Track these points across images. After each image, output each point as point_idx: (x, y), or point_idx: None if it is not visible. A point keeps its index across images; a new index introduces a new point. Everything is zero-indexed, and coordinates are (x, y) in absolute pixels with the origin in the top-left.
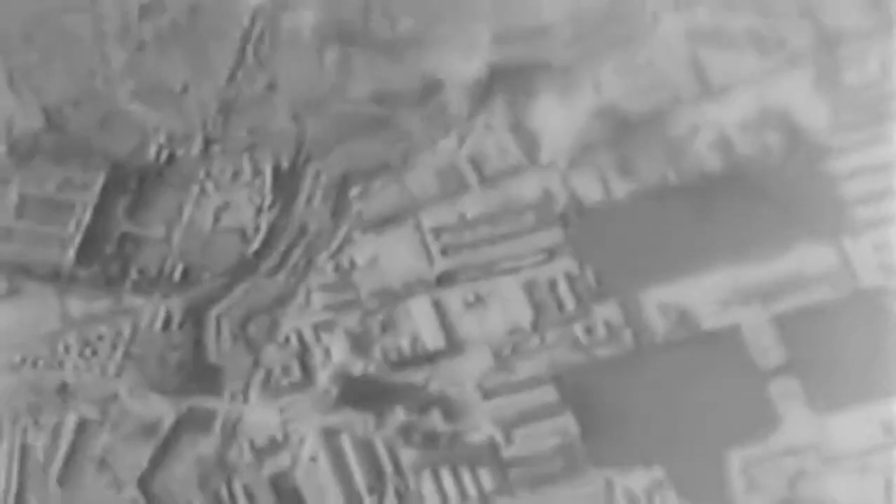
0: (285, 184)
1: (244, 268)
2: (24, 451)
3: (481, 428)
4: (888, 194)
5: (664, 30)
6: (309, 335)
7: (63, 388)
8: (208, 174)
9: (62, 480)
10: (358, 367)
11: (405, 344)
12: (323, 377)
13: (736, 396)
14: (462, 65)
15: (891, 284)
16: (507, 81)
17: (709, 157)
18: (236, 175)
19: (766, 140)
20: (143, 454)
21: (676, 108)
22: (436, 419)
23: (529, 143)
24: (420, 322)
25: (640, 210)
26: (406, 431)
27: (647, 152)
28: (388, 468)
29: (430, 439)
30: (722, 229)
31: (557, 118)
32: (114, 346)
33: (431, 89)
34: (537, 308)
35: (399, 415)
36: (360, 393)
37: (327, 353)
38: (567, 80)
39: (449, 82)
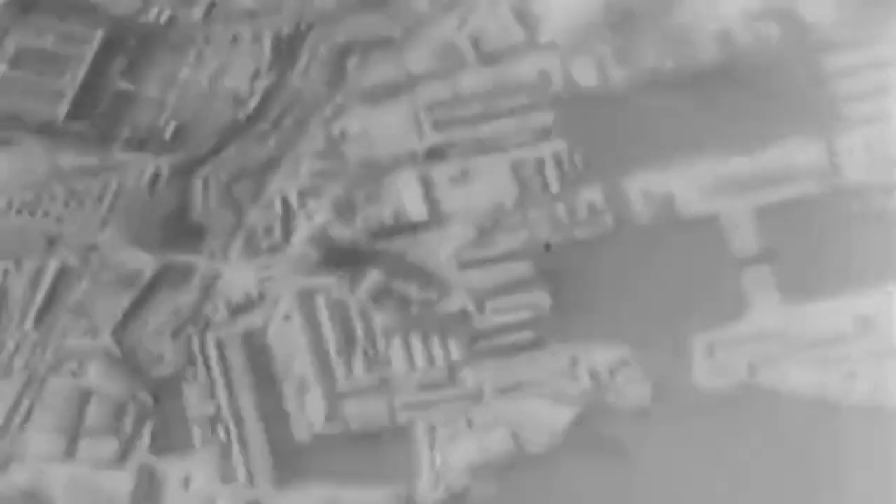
0: (284, 51)
1: (236, 131)
2: (3, 293)
3: (455, 298)
4: (883, 92)
5: None
6: (294, 200)
7: (46, 236)
8: (208, 38)
9: (38, 324)
10: (339, 232)
11: (388, 214)
12: (303, 240)
13: (709, 282)
14: None
15: (876, 181)
16: None
17: (708, 48)
18: (235, 40)
19: (767, 32)
20: (120, 304)
21: None
22: (411, 287)
23: (531, 24)
24: (405, 194)
25: (634, 97)
26: (380, 295)
27: (646, 40)
28: (360, 332)
29: (404, 305)
30: (714, 120)
31: (561, 1)
32: (100, 199)
33: None
34: (522, 186)
35: (374, 277)
36: (339, 258)
37: (310, 217)
38: None
39: None
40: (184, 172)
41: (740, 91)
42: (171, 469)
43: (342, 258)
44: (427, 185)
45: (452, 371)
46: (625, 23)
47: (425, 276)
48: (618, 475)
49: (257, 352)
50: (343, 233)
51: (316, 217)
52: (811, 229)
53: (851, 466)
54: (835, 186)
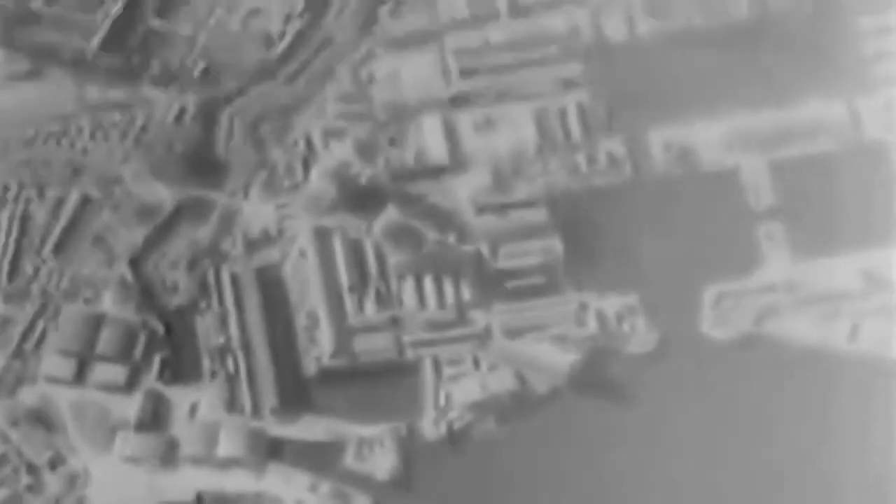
0: None
1: (265, 71)
2: (25, 220)
3: (469, 241)
4: None
5: None
6: (318, 140)
7: (71, 166)
8: None
9: (57, 251)
10: (360, 172)
11: (410, 157)
12: (323, 177)
13: (723, 235)
14: None
15: (894, 140)
16: None
17: (739, 5)
18: None
19: None
20: (138, 235)
21: None
22: (426, 226)
23: None
24: (428, 138)
25: (661, 51)
26: (395, 233)
27: None
28: (373, 271)
29: (418, 244)
30: (739, 76)
31: None
32: (125, 133)
33: None
34: (544, 134)
35: (391, 214)
36: (358, 196)
37: (332, 157)
38: None
39: None
40: (210, 110)
41: (767, 49)
42: (179, 397)
43: (361, 197)
44: (450, 130)
45: (462, 311)
46: None
47: (442, 218)
48: (619, 417)
49: (271, 286)
50: (364, 172)
51: (338, 156)
52: (826, 186)
53: (851, 416)
54: (853, 145)
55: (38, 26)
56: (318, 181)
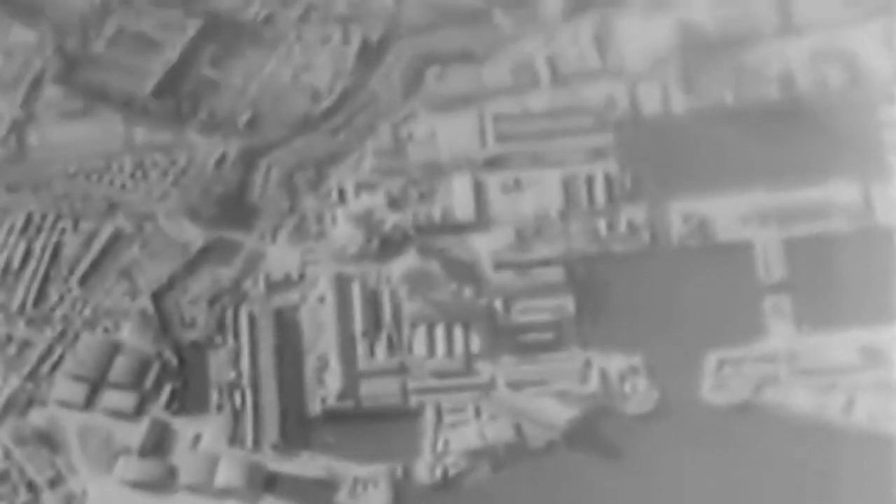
0: (369, 56)
1: (308, 124)
2: (57, 249)
3: (485, 294)
4: None
5: None
6: (350, 191)
7: (108, 202)
8: (299, 37)
9: (83, 281)
10: (387, 223)
11: (437, 212)
12: (350, 225)
13: (731, 305)
14: None
15: None
16: None
17: (770, 86)
18: (326, 40)
19: (827, 76)
20: (165, 271)
21: (754, 38)
22: (445, 276)
23: (608, 50)
24: (457, 196)
25: (691, 126)
26: (413, 278)
27: (713, 74)
28: (388, 317)
29: (433, 289)
30: (763, 154)
31: (639, 31)
32: (164, 173)
33: None
34: (569, 199)
35: (411, 259)
36: (381, 243)
37: (362, 207)
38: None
39: None
40: (250, 157)
41: (793, 130)
42: (183, 427)
43: (385, 244)
44: (479, 190)
45: (469, 362)
46: (696, 56)
47: (461, 270)
48: (612, 475)
49: (286, 327)
50: (390, 224)
51: (367, 207)
52: (834, 264)
53: (846, 489)
54: (863, 226)
55: (96, 67)
56: (345, 227)
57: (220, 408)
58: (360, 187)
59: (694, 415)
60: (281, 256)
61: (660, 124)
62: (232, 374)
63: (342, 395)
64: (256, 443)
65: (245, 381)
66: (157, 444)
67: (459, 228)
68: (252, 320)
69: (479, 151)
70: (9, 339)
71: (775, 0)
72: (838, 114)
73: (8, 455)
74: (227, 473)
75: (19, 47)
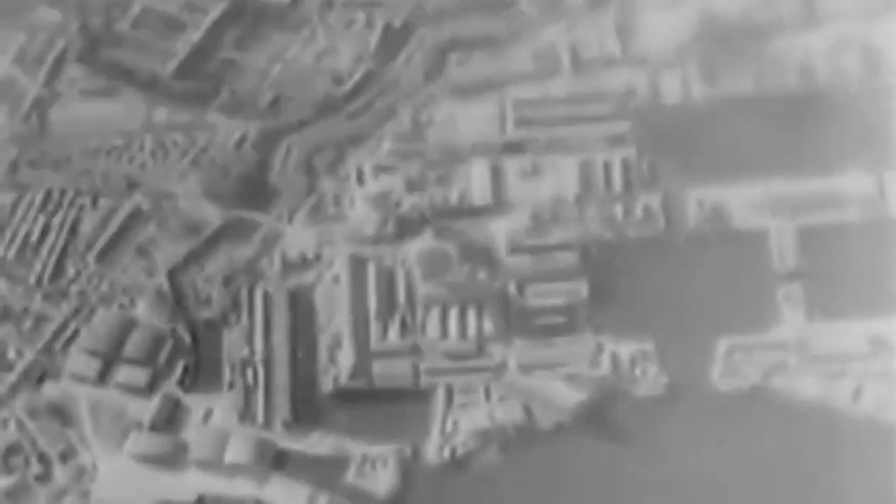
0: (392, 40)
1: (329, 107)
2: (76, 224)
3: (499, 277)
4: None
5: None
6: (368, 173)
7: (127, 180)
8: (323, 20)
9: (101, 257)
10: (404, 205)
11: (454, 195)
12: (367, 207)
13: (744, 292)
14: None
15: None
16: None
17: (790, 77)
18: (349, 24)
19: (847, 67)
20: (182, 249)
21: (777, 28)
22: (460, 258)
23: (629, 39)
24: (475, 180)
25: (709, 114)
26: (428, 259)
27: (734, 64)
28: (402, 298)
29: (447, 269)
30: (780, 143)
31: (661, 19)
32: (184, 153)
33: None
34: (586, 185)
35: (427, 240)
36: (398, 225)
37: (380, 189)
38: None
39: None
40: (270, 138)
41: (810, 120)
42: (195, 403)
43: (401, 225)
44: (497, 174)
45: (482, 344)
46: (717, 45)
47: (476, 252)
48: (620, 458)
49: (301, 307)
50: (407, 206)
51: (385, 189)
52: (846, 253)
53: (850, 473)
54: (877, 217)
55: (119, 47)
56: (362, 208)
57: (231, 385)
58: (379, 170)
59: (703, 399)
60: (297, 236)
61: (679, 112)
62: (245, 352)
63: (354, 375)
64: (267, 420)
65: (258, 358)
66: (169, 419)
67: (476, 212)
68: (267, 299)
69: (499, 136)
70: (25, 312)
71: None
72: (856, 104)
73: (21, 427)
74: (237, 450)
75: (44, 25)
